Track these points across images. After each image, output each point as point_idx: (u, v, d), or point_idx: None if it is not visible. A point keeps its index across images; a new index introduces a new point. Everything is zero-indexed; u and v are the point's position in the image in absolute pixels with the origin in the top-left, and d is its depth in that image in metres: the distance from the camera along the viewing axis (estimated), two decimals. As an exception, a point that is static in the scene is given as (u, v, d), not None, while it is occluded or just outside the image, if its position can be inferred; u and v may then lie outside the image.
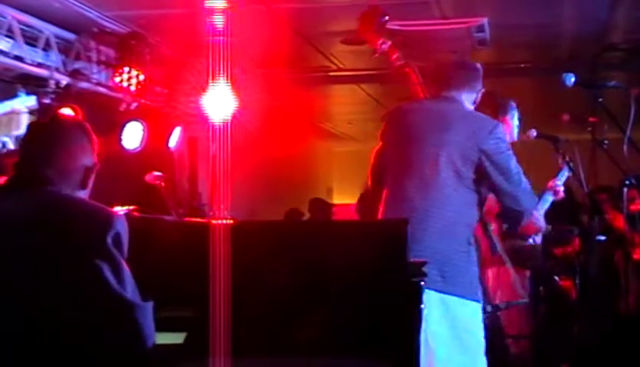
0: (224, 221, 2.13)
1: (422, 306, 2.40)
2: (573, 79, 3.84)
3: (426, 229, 3.20)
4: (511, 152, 3.41)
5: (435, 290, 3.13)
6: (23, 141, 2.27)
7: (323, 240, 2.36)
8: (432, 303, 3.10)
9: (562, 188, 4.48)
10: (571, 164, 4.49)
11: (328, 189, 12.27)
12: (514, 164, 3.38)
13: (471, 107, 3.52)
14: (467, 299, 3.26)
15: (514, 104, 4.28)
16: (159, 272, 1.98)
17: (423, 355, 2.69)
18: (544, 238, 4.83)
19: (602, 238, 5.58)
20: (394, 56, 3.79)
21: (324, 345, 2.28)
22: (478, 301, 3.32)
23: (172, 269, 2.06)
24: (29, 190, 2.10)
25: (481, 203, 3.42)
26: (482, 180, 3.35)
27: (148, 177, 4.80)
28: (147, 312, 2.00)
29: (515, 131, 4.26)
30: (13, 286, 1.95)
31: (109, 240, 1.99)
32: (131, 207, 3.27)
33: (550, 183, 4.45)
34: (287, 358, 2.25)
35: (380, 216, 3.41)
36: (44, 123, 2.40)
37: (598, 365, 4.72)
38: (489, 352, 3.34)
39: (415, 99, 3.66)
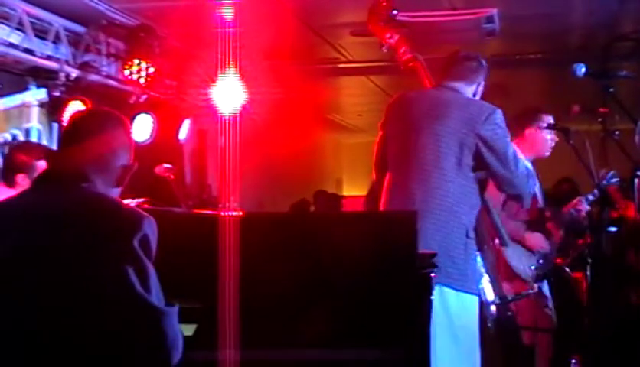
0: (233, 213, 2.13)
1: (432, 297, 2.41)
2: (583, 70, 3.82)
3: (424, 222, 3.16)
4: (508, 138, 3.42)
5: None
6: (64, 131, 2.20)
7: (332, 232, 2.36)
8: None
9: (586, 209, 4.58)
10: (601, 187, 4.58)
11: (338, 181, 12.27)
12: (511, 149, 3.39)
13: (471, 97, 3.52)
14: (463, 292, 3.27)
15: (544, 116, 4.33)
16: (169, 264, 1.98)
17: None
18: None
19: (613, 229, 5.56)
20: (402, 50, 3.78)
21: (335, 336, 2.28)
22: (474, 294, 3.32)
23: (182, 261, 2.06)
24: (63, 186, 2.04)
25: (482, 188, 3.42)
26: (480, 166, 3.36)
27: (157, 170, 4.81)
28: (171, 318, 1.94)
29: (544, 144, 4.33)
30: (37, 284, 1.91)
31: (135, 243, 1.93)
32: (141, 199, 3.28)
33: (576, 202, 4.53)
34: (297, 349, 2.25)
35: (382, 208, 3.42)
36: (87, 115, 2.33)
37: (609, 357, 4.71)
38: (500, 344, 3.34)
39: (417, 90, 3.66)
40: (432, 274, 2.44)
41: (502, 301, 3.81)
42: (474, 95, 3.53)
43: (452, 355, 3.20)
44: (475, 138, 3.30)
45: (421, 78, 3.69)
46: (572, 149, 4.35)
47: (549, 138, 4.42)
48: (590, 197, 4.63)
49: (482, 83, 3.55)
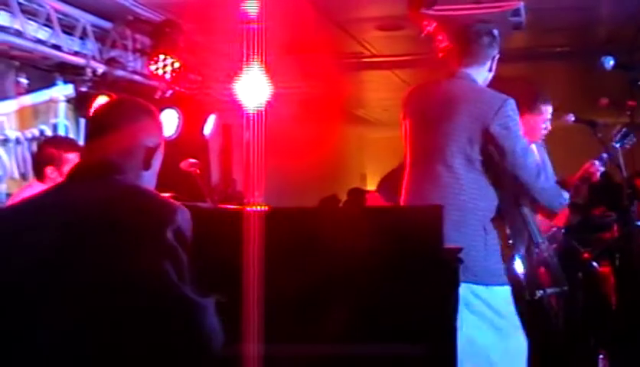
0: (258, 208, 2.13)
1: (458, 291, 2.39)
2: (612, 63, 3.78)
3: None
4: (518, 133, 3.33)
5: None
6: (91, 121, 2.20)
7: (358, 226, 2.36)
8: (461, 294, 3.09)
9: (600, 170, 4.35)
10: (612, 148, 4.34)
11: (362, 175, 12.26)
12: (520, 145, 3.30)
13: (486, 75, 3.45)
14: (491, 285, 3.24)
15: (542, 106, 4.15)
16: (193, 258, 1.98)
17: (465, 347, 2.68)
18: (582, 224, 4.77)
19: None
20: (440, 38, 3.72)
21: (359, 331, 2.28)
22: (503, 285, 3.29)
23: (206, 255, 2.06)
24: (96, 179, 2.04)
25: (498, 183, 3.36)
26: (488, 160, 3.30)
27: (183, 165, 4.83)
28: (207, 309, 1.93)
29: (539, 132, 4.14)
30: (73, 280, 1.91)
31: (169, 234, 1.91)
32: (166, 194, 3.29)
33: (587, 165, 4.33)
34: (320, 344, 2.26)
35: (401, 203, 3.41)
36: (113, 105, 2.32)
37: (636, 353, 4.66)
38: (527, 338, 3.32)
39: (432, 81, 3.61)
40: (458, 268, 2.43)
41: (531, 297, 3.78)
42: (490, 70, 3.47)
43: (501, 349, 3.20)
44: (484, 133, 3.25)
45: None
46: (599, 142, 4.31)
47: (544, 126, 4.28)
48: (604, 156, 4.36)
49: (497, 56, 3.47)
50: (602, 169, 4.31)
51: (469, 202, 3.25)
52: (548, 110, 4.25)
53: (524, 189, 3.38)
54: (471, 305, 3.16)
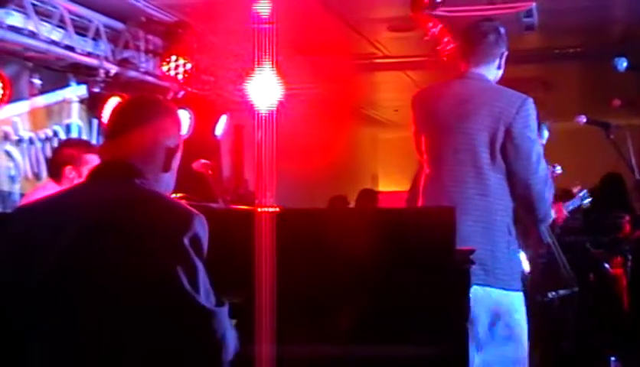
0: (270, 208, 2.14)
1: (470, 293, 2.39)
2: (625, 64, 3.77)
3: (465, 224, 3.10)
4: (536, 136, 3.28)
5: (478, 285, 3.05)
6: (111, 119, 2.16)
7: (369, 227, 2.36)
8: (477, 297, 3.07)
9: (567, 215, 4.48)
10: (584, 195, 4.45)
11: (373, 176, 12.25)
12: (536, 150, 3.25)
13: (496, 73, 3.41)
14: (509, 290, 3.20)
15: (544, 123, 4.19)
16: (206, 259, 1.99)
17: (474, 349, 2.68)
18: (593, 225, 4.76)
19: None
20: (444, 40, 3.71)
21: (371, 332, 2.28)
22: (519, 290, 3.26)
23: (219, 256, 2.07)
24: (116, 182, 2.03)
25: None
26: (503, 158, 3.23)
27: (195, 165, 4.84)
28: (220, 316, 1.92)
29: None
30: (88, 283, 1.91)
31: (185, 241, 1.91)
32: (179, 195, 3.31)
33: (558, 208, 4.35)
34: (332, 345, 2.26)
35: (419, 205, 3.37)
36: (124, 103, 2.29)
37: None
38: (538, 340, 3.30)
39: (441, 81, 3.55)
40: (470, 270, 2.42)
41: (543, 298, 3.77)
42: (498, 67, 3.42)
43: (513, 355, 3.17)
44: (504, 132, 3.21)
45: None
46: (612, 144, 4.29)
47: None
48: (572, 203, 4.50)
49: (505, 53, 3.42)
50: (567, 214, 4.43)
51: (495, 203, 3.21)
52: (545, 135, 4.28)
53: (526, 193, 3.26)
54: (484, 308, 3.12)
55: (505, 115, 3.21)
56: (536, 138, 3.31)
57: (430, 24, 3.76)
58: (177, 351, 1.90)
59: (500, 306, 3.18)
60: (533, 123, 3.27)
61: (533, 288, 3.70)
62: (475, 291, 3.03)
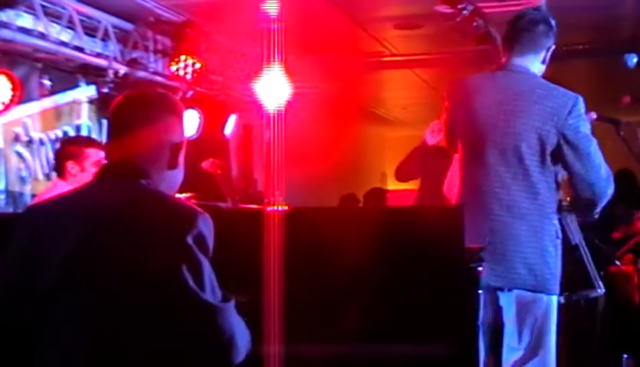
0: (279, 208, 2.14)
1: (480, 291, 2.39)
2: (635, 60, 3.73)
3: (517, 227, 3.04)
4: (589, 132, 3.13)
5: (526, 290, 3.04)
6: (114, 116, 2.14)
7: (379, 226, 2.36)
8: (511, 301, 3.05)
9: None
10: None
11: (382, 174, 12.23)
12: (594, 147, 3.10)
13: (540, 68, 3.22)
14: (551, 294, 3.12)
15: None
16: (214, 259, 1.99)
17: (504, 352, 2.65)
18: (604, 221, 4.72)
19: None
20: (475, 24, 3.56)
21: (382, 330, 2.28)
22: (556, 294, 3.16)
23: (227, 256, 2.07)
24: (122, 182, 2.03)
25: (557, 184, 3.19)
26: (557, 162, 3.11)
27: (204, 165, 4.86)
28: (226, 312, 1.92)
29: None
30: (94, 284, 1.92)
31: (189, 240, 1.91)
32: (188, 195, 3.31)
33: None
34: (341, 344, 2.26)
35: (455, 202, 3.21)
36: (125, 101, 2.22)
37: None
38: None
39: (481, 73, 3.36)
40: (480, 268, 2.42)
41: (567, 300, 3.70)
42: (543, 61, 3.23)
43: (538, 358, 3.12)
44: (557, 134, 3.05)
45: (492, 57, 3.41)
46: (622, 141, 4.26)
47: None
48: None
49: (553, 47, 3.22)
50: None
51: (545, 206, 3.09)
52: None
53: (587, 193, 3.12)
54: (518, 313, 3.07)
55: (557, 116, 3.05)
56: (590, 134, 3.13)
57: (461, 6, 3.55)
58: (184, 349, 1.90)
59: (547, 310, 3.11)
60: (586, 123, 3.12)
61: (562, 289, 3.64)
62: (525, 296, 3.04)
